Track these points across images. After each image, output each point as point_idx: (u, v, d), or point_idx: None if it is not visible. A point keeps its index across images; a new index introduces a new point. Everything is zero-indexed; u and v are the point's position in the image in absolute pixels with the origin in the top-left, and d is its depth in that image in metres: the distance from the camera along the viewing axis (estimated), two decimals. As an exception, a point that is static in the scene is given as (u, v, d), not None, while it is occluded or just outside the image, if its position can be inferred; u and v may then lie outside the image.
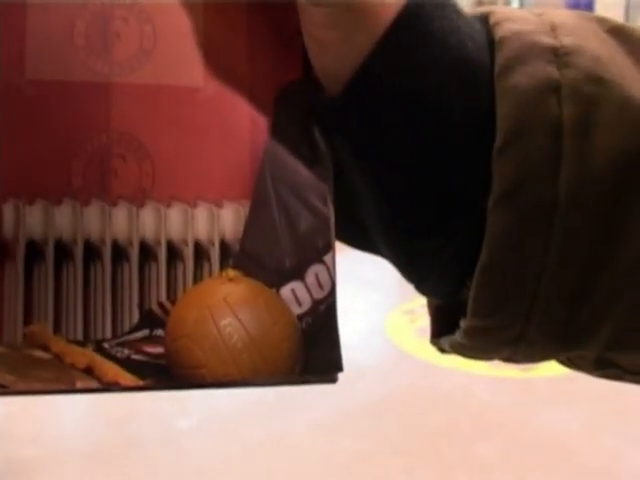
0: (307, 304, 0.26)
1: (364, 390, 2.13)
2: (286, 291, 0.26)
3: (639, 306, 0.27)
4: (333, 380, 0.26)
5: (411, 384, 2.20)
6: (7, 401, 1.67)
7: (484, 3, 5.48)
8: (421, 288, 0.30)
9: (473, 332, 0.27)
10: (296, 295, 0.26)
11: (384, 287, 2.75)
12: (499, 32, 0.27)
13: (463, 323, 0.28)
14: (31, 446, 1.88)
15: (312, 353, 0.26)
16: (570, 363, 0.31)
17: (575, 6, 5.01)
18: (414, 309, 2.64)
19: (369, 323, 2.63)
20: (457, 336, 0.28)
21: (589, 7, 5.15)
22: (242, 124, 0.26)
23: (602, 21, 0.29)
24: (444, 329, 0.30)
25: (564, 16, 0.28)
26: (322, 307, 0.26)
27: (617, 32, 0.28)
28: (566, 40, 0.27)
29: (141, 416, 2.00)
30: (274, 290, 0.26)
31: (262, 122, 0.26)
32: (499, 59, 0.26)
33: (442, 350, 0.31)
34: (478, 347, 0.28)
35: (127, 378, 0.24)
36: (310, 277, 0.26)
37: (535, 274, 0.26)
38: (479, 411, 2.02)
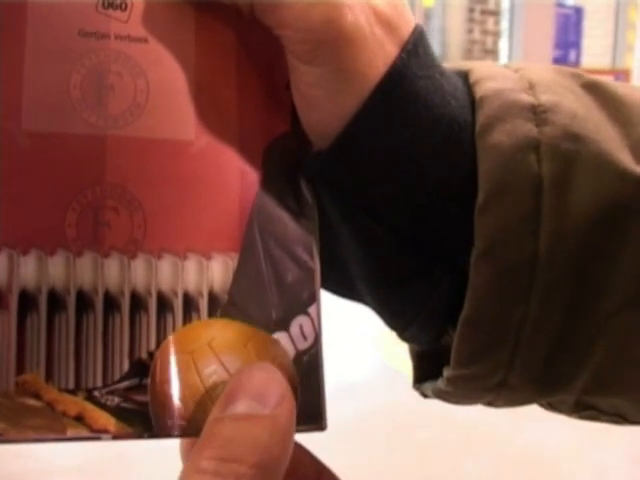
0: (291, 355, 0.26)
1: (354, 406, 2.13)
2: None
3: (615, 352, 0.28)
4: (322, 428, 0.26)
5: (400, 400, 2.20)
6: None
7: (475, 10, 5.51)
8: (404, 336, 0.30)
9: (456, 380, 0.28)
10: None
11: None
12: (479, 91, 0.28)
13: (446, 372, 0.28)
14: (21, 460, 1.87)
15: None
16: (550, 407, 0.31)
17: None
18: (404, 326, 2.64)
19: (360, 339, 2.63)
20: (440, 384, 0.29)
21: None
22: (231, 177, 0.27)
23: (577, 76, 0.29)
24: (426, 374, 0.31)
25: (541, 72, 0.29)
26: (305, 358, 0.26)
27: (591, 87, 0.29)
28: (543, 97, 0.27)
29: (130, 431, 1.99)
30: (267, 334, 0.26)
31: (251, 175, 0.27)
32: (480, 117, 0.27)
33: (425, 395, 0.31)
34: (461, 394, 0.29)
35: (117, 426, 0.25)
36: (294, 328, 0.26)
37: (516, 325, 0.27)
38: (467, 428, 2.01)
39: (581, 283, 0.27)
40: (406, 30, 0.27)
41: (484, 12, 5.56)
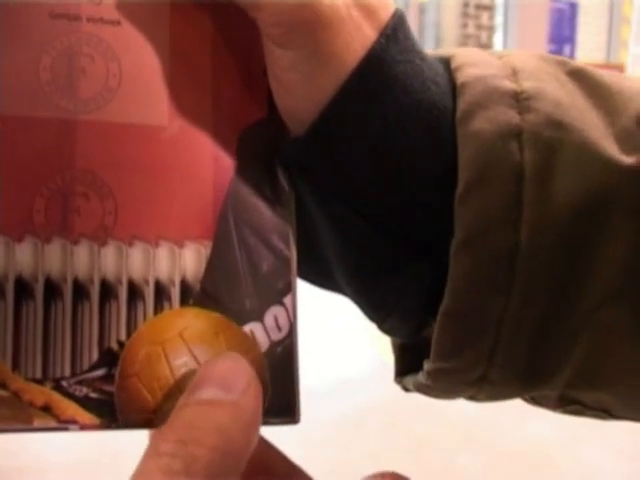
0: (264, 346, 0.26)
1: (347, 401, 2.13)
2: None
3: (599, 346, 0.27)
4: (295, 422, 0.26)
5: (394, 395, 2.19)
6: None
7: (470, 5, 5.51)
8: (383, 327, 0.30)
9: (436, 374, 0.27)
10: (254, 336, 0.26)
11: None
12: (460, 77, 0.27)
13: (426, 365, 0.28)
14: (15, 457, 1.86)
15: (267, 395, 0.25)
16: (534, 402, 0.31)
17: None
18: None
19: (356, 334, 2.63)
20: (420, 377, 0.28)
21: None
22: (205, 163, 0.26)
23: (562, 63, 0.29)
24: (408, 367, 0.30)
25: (525, 59, 0.28)
26: (279, 349, 0.26)
27: (577, 74, 0.28)
28: (527, 84, 0.27)
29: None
30: (238, 326, 0.26)
31: (225, 162, 0.26)
32: (461, 104, 0.26)
33: (406, 389, 0.31)
34: (442, 388, 0.28)
35: (85, 416, 0.24)
36: (269, 318, 0.26)
37: (497, 317, 0.26)
38: (462, 423, 2.01)
39: (563, 275, 0.26)
40: (385, 14, 0.26)
41: (478, 7, 5.55)
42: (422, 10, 5.53)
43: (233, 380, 0.23)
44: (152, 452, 0.21)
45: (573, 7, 5.29)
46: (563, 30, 5.31)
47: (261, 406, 0.23)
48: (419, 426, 2.02)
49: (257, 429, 0.23)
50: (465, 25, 5.59)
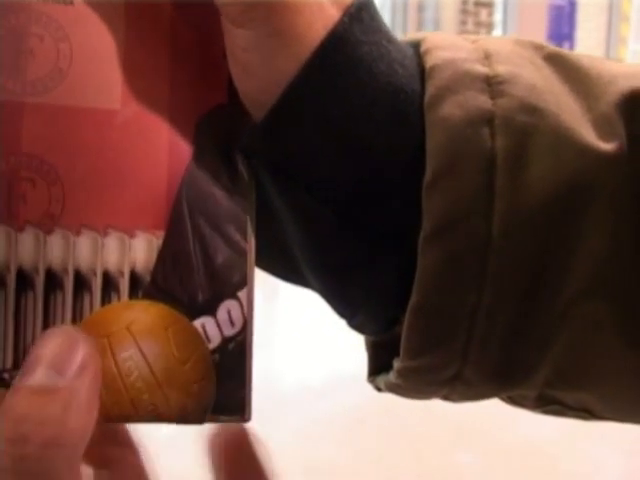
0: (216, 341, 0.25)
1: (344, 398, 2.12)
2: (196, 326, 0.25)
3: (579, 342, 0.26)
4: (245, 420, 0.25)
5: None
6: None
7: (469, 2, 5.51)
8: (352, 324, 0.29)
9: (407, 373, 0.26)
10: (206, 331, 0.25)
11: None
12: (430, 60, 0.26)
13: (396, 364, 0.26)
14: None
15: (217, 391, 0.25)
16: (512, 402, 0.30)
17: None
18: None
19: (350, 331, 2.63)
20: (391, 376, 0.27)
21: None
22: (160, 150, 0.25)
23: (539, 47, 0.28)
24: (381, 366, 0.29)
25: (499, 43, 0.27)
26: (231, 345, 0.25)
27: (554, 59, 0.27)
28: (500, 68, 0.26)
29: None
30: (189, 321, 0.25)
31: (181, 148, 0.25)
32: (429, 88, 0.25)
33: (379, 389, 0.29)
34: (413, 387, 0.27)
35: None
36: (222, 313, 0.25)
37: (469, 313, 0.25)
38: (460, 419, 2.01)
39: (538, 268, 0.25)
40: None
41: (477, 4, 5.55)
42: (421, 7, 5.54)
43: (66, 361, 0.22)
44: None
45: (572, 4, 5.29)
46: (562, 27, 5.31)
47: (98, 387, 0.22)
48: (416, 423, 2.02)
49: (94, 413, 0.22)
50: (464, 22, 5.59)
